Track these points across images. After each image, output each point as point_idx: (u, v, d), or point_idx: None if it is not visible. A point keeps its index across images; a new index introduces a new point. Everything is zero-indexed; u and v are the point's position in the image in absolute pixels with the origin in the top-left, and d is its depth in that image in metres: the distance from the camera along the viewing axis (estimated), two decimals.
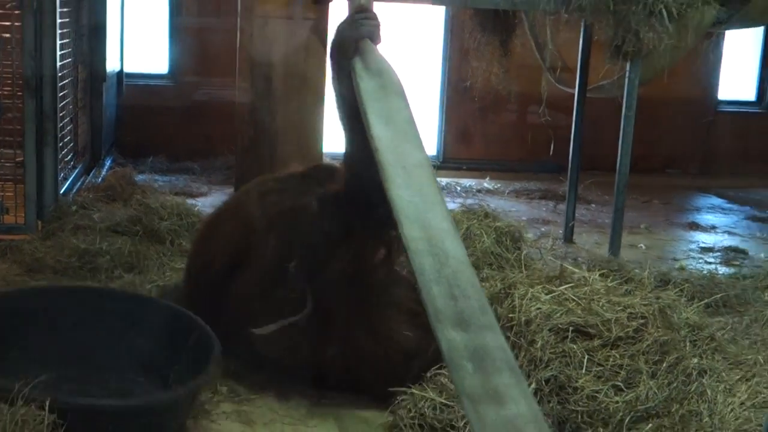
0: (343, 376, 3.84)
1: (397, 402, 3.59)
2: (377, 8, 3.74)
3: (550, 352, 3.52)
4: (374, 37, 3.58)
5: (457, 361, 2.75)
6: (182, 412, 3.02)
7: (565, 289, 3.73)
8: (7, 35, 5.97)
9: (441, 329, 2.80)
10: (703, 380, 3.61)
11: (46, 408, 2.65)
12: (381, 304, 3.91)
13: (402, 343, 3.86)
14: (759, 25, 7.56)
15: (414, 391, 3.58)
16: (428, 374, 3.67)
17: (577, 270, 3.98)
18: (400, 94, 3.42)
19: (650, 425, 3.28)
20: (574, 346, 3.53)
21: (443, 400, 3.47)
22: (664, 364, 3.50)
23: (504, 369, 2.76)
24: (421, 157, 3.24)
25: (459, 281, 2.89)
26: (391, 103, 3.36)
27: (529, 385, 3.40)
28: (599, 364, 3.49)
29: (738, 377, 3.93)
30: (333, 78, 3.66)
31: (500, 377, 2.73)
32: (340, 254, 3.78)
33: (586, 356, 3.50)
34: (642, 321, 3.60)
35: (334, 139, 9.56)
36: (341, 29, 3.63)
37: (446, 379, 3.53)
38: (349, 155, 3.71)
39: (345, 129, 3.68)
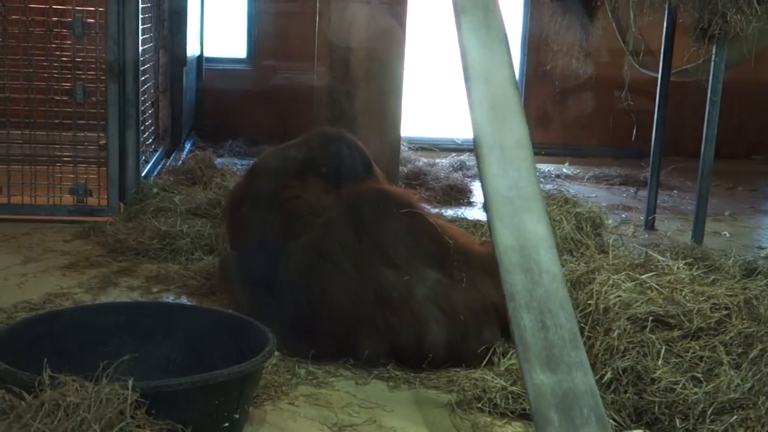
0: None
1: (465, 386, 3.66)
2: None
3: (628, 342, 3.48)
4: None
5: (543, 413, 2.64)
6: (249, 385, 3.09)
7: (648, 277, 3.68)
8: (91, 20, 6.10)
9: (528, 371, 2.67)
10: None
11: (129, 387, 2.71)
12: None
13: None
14: None
15: (486, 376, 3.62)
16: (502, 361, 3.69)
17: (662, 258, 3.92)
18: (504, 41, 2.92)
19: (734, 417, 3.22)
20: (653, 336, 3.48)
21: (516, 389, 3.47)
22: (749, 356, 3.43)
23: (591, 420, 2.64)
24: (522, 133, 2.87)
25: (551, 305, 2.73)
26: (494, 53, 2.89)
27: (605, 374, 3.38)
28: (678, 356, 3.44)
29: None
30: None
31: (587, 430, 2.63)
32: None
33: (665, 347, 3.45)
34: (725, 312, 3.54)
35: (412, 124, 9.53)
36: None
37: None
38: None
39: None
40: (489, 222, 2.81)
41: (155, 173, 7.18)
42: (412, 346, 3.90)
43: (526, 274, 2.74)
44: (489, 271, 4.07)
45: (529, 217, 2.80)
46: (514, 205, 2.80)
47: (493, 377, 3.61)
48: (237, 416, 3.06)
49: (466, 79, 2.89)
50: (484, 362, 3.83)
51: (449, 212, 6.82)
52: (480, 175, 2.86)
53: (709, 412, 3.24)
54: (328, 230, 4.08)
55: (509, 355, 3.77)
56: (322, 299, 3.94)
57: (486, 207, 2.83)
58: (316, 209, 4.20)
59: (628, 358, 3.41)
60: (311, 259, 4.02)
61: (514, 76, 2.92)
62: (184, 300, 4.74)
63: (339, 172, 4.35)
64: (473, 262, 4.10)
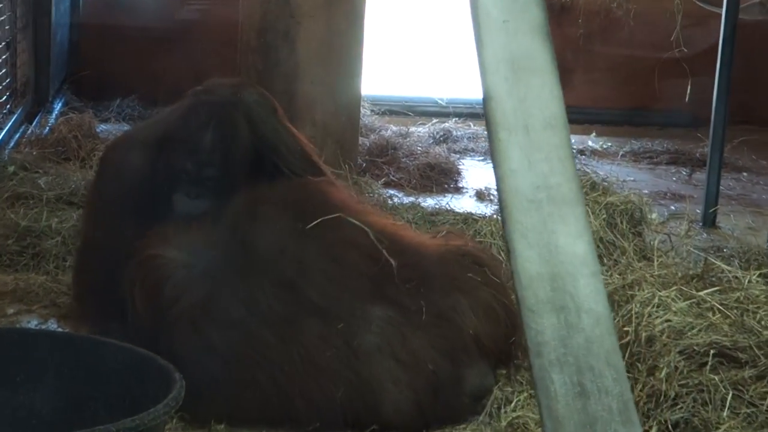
0: None
1: None
2: None
3: (680, 385, 3.51)
4: None
5: None
6: None
7: (709, 294, 3.71)
8: None
9: None
10: None
11: None
12: None
13: None
14: None
15: None
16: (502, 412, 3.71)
17: (727, 267, 3.95)
18: None
19: None
20: (716, 377, 3.51)
21: None
22: None
23: None
24: (556, 107, 2.75)
25: (594, 360, 2.61)
26: None
27: (649, 430, 3.39)
28: (751, 404, 3.48)
29: None
30: None
31: None
32: None
33: (732, 392, 3.48)
34: None
35: (378, 78, 9.47)
36: None
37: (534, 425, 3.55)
38: None
39: None
40: (507, 240, 2.66)
41: (11, 145, 7.13)
42: (365, 421, 3.85)
43: (559, 315, 2.63)
44: (456, 283, 4.05)
45: (564, 230, 2.67)
46: (542, 213, 2.68)
47: None
48: None
49: (476, 25, 2.74)
50: (482, 416, 3.82)
51: (429, 201, 6.82)
52: (494, 170, 2.70)
53: None
54: (214, 284, 3.96)
55: (513, 402, 3.77)
56: (228, 387, 3.87)
57: (503, 219, 2.68)
58: (186, 260, 4.04)
59: (682, 408, 3.44)
60: (200, 331, 3.91)
61: (545, 19, 2.76)
62: (52, 325, 4.71)
63: (223, 172, 4.23)
64: (432, 275, 4.04)
